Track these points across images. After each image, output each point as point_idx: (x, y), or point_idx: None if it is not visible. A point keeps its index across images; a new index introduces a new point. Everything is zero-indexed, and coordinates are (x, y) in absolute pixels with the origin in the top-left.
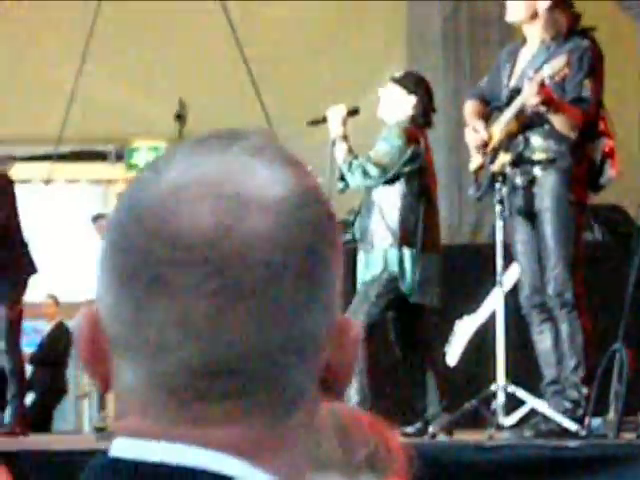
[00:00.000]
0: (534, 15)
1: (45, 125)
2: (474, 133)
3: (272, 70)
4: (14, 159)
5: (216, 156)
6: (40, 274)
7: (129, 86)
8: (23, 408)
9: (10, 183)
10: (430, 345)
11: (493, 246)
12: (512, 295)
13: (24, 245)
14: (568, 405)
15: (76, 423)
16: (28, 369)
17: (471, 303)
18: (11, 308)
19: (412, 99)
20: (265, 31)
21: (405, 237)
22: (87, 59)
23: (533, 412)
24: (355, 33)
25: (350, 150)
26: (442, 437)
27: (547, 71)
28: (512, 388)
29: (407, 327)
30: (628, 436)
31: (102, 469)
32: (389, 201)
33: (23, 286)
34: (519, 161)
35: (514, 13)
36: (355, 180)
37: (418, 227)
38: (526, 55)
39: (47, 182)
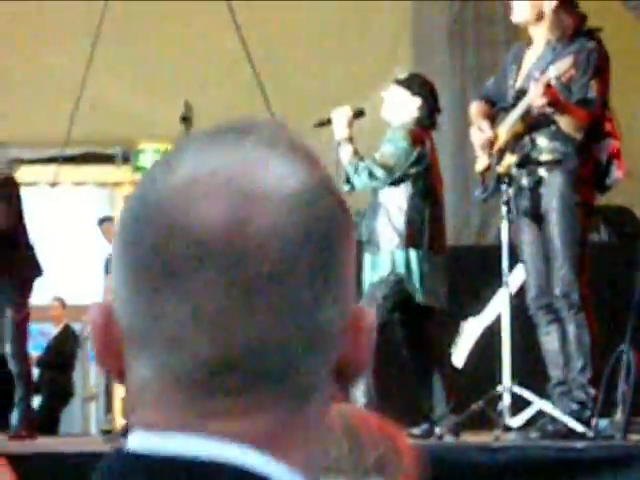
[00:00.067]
0: (540, 16)
1: (51, 128)
2: (479, 132)
3: (278, 72)
4: (20, 162)
5: (229, 150)
6: (46, 277)
7: (135, 88)
8: (30, 411)
9: (16, 186)
10: (437, 346)
11: (499, 247)
12: (518, 296)
13: (30, 248)
14: (575, 406)
15: (83, 425)
16: (35, 372)
17: (477, 304)
18: (18, 311)
19: (417, 100)
20: (271, 32)
21: (411, 238)
22: (93, 62)
23: (540, 413)
24: (361, 34)
25: (356, 152)
26: (449, 438)
27: (553, 72)
28: (518, 389)
29: (414, 328)
30: (635, 437)
31: (118, 463)
32: (395, 203)
33: (29, 289)
34: (525, 162)
35: (520, 14)
36: (361, 182)
37: (424, 228)
38: (532, 56)
39: (53, 185)
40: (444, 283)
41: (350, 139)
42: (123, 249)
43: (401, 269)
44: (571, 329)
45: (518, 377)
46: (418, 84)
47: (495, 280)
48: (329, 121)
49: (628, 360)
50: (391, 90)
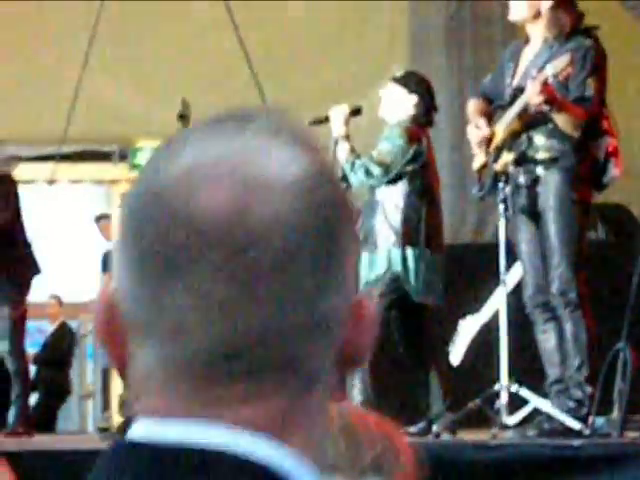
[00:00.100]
0: (537, 14)
1: (49, 125)
2: (476, 130)
3: (275, 70)
4: (17, 159)
5: (230, 138)
6: (43, 274)
7: (132, 86)
8: (27, 408)
9: (14, 183)
10: (433, 345)
11: (496, 245)
12: (515, 294)
13: (28, 245)
14: (572, 404)
15: (80, 423)
16: (32, 369)
17: (474, 302)
18: (15, 308)
19: (413, 98)
20: (269, 32)
21: (408, 236)
22: (90, 59)
23: (537, 411)
24: (358, 33)
25: (352, 150)
26: (446, 436)
27: (550, 70)
28: (516, 387)
29: (410, 327)
30: (632, 435)
31: (123, 451)
32: (392, 201)
33: (27, 286)
34: (522, 160)
35: (517, 12)
36: (358, 180)
37: (421, 226)
38: (529, 54)
39: (50, 182)
40: (441, 281)
41: (347, 137)
42: (126, 239)
43: (398, 267)
44: (568, 327)
45: (515, 375)
46: (414, 82)
47: (492, 278)
48: (326, 119)
49: (625, 358)
50: (388, 88)
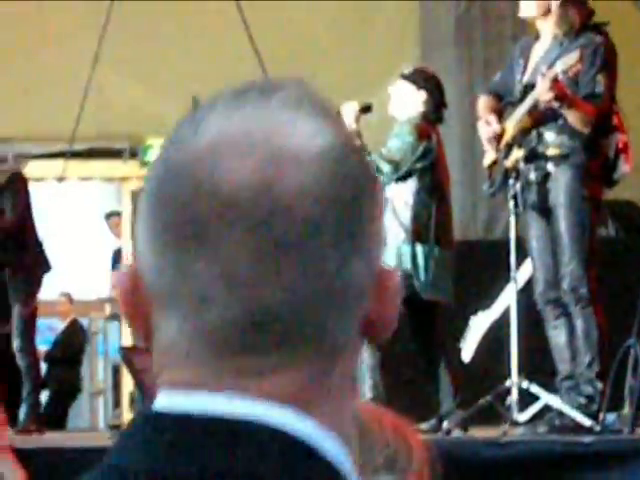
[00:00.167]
0: (547, 10)
1: (59, 123)
2: (487, 126)
3: (285, 69)
4: (28, 157)
5: (255, 110)
6: (54, 272)
7: (143, 84)
8: (38, 406)
9: (24, 181)
10: (444, 341)
11: (507, 242)
12: (526, 291)
13: (38, 243)
14: (582, 400)
15: (91, 421)
16: (43, 367)
17: (485, 299)
18: (26, 306)
19: (422, 95)
20: (278, 30)
21: (418, 233)
22: (100, 57)
23: (547, 408)
24: (368, 31)
25: (363, 147)
26: (456, 433)
27: (560, 66)
28: (526, 384)
29: (421, 323)
30: None
31: (147, 422)
32: (401, 198)
33: (37, 284)
34: (533, 157)
35: (527, 9)
36: None
37: (430, 223)
38: (539, 50)
39: (61, 180)
40: (450, 278)
41: (357, 134)
42: (150, 210)
43: (407, 264)
44: (579, 323)
45: (526, 372)
46: (423, 78)
47: (503, 275)
48: None
49: (635, 354)
50: (397, 85)
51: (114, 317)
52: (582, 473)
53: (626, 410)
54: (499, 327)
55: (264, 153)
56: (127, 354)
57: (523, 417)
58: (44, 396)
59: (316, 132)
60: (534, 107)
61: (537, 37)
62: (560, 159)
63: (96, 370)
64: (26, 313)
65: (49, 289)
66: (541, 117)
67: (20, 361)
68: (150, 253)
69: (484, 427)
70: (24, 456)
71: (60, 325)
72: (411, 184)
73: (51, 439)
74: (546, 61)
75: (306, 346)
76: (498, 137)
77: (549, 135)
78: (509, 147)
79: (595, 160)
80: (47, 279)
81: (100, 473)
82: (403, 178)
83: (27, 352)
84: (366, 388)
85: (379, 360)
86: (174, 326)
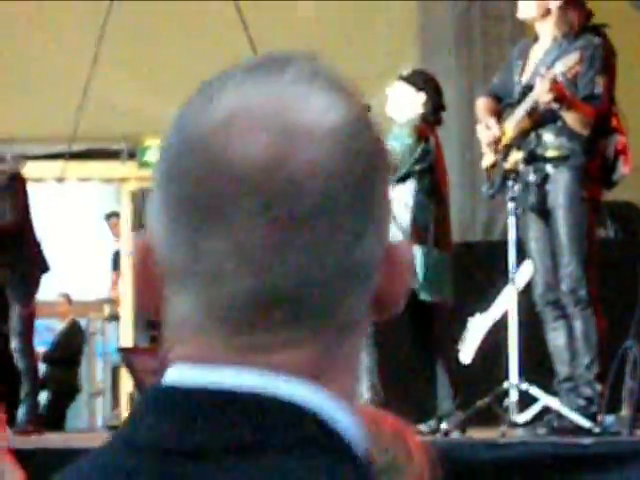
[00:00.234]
0: (546, 12)
1: (57, 124)
2: (486, 130)
3: None
4: (27, 158)
5: (268, 84)
6: (53, 272)
7: (142, 85)
8: (36, 406)
9: (23, 182)
10: (442, 343)
11: (506, 243)
12: (525, 292)
13: (37, 244)
14: (581, 402)
15: (89, 421)
16: (41, 368)
17: (484, 301)
18: (24, 306)
19: (421, 96)
20: (277, 31)
21: (416, 235)
22: (100, 58)
23: (546, 409)
24: (367, 32)
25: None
26: (455, 434)
27: (559, 68)
28: (525, 385)
29: (420, 325)
30: None
31: (158, 395)
32: (400, 199)
33: (36, 284)
34: (532, 158)
35: (526, 10)
36: None
37: (429, 225)
38: (538, 52)
39: (60, 181)
40: (449, 280)
41: None
42: (163, 184)
43: None
44: (578, 325)
45: (525, 373)
46: (422, 80)
47: (502, 276)
48: None
49: (634, 356)
50: (396, 86)
51: (113, 318)
52: (581, 475)
53: (625, 412)
54: (498, 329)
55: (278, 128)
56: (126, 355)
57: (522, 419)
58: (43, 397)
59: (329, 107)
60: (533, 109)
61: (536, 39)
62: (559, 161)
63: (95, 371)
64: (25, 314)
65: (48, 290)
66: (540, 118)
67: (19, 362)
68: (163, 227)
69: (483, 429)
70: (23, 457)
71: (59, 326)
72: (410, 186)
73: (50, 440)
74: (545, 62)
75: (317, 322)
76: (497, 141)
77: (548, 137)
78: (508, 149)
79: (594, 161)
80: (46, 280)
81: (111, 449)
82: (402, 180)
83: (26, 353)
84: (363, 389)
85: (377, 361)
86: (186, 301)
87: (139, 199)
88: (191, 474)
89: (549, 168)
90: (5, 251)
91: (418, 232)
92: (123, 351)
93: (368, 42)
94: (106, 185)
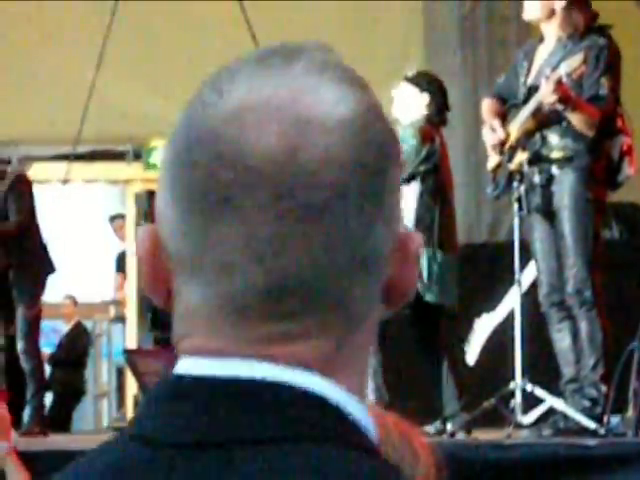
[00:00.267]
0: (551, 13)
1: (63, 125)
2: (491, 132)
3: None
4: (32, 159)
5: (279, 76)
6: (58, 274)
7: (147, 86)
8: (42, 408)
9: (28, 183)
10: (448, 344)
11: (511, 244)
12: (531, 293)
13: (42, 245)
14: (587, 403)
15: (95, 423)
16: (47, 369)
17: (489, 302)
18: (30, 308)
19: (425, 98)
20: (282, 31)
21: (421, 236)
22: (105, 59)
23: (552, 410)
24: (372, 33)
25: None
26: (461, 436)
27: (564, 69)
28: (530, 386)
29: (425, 326)
30: None
31: (170, 388)
32: (405, 200)
33: (42, 286)
34: (537, 159)
35: (531, 11)
36: None
37: (434, 226)
38: (543, 53)
39: (65, 182)
40: (454, 281)
41: None
42: (173, 174)
43: None
44: (583, 326)
45: (530, 374)
46: (426, 81)
47: (507, 277)
48: None
49: (639, 357)
50: (400, 87)
51: (118, 319)
52: (586, 476)
53: (630, 413)
54: (503, 330)
55: (289, 120)
56: (131, 357)
57: (527, 420)
58: (48, 398)
59: (340, 98)
60: (538, 110)
61: (541, 40)
62: (564, 162)
63: (100, 372)
64: (30, 315)
65: (53, 291)
66: (545, 120)
67: (24, 363)
68: (173, 218)
69: (488, 430)
70: (28, 458)
71: (64, 327)
72: (414, 187)
73: (55, 441)
74: (550, 64)
75: (329, 313)
76: (502, 143)
77: (553, 138)
78: (513, 150)
79: (599, 163)
80: (51, 281)
81: (122, 443)
82: (406, 181)
83: (31, 354)
84: (369, 390)
85: (382, 363)
86: (196, 293)
87: (144, 201)
88: (208, 466)
89: (554, 169)
90: (11, 253)
91: (423, 233)
92: (128, 353)
93: (373, 43)
94: (111, 187)
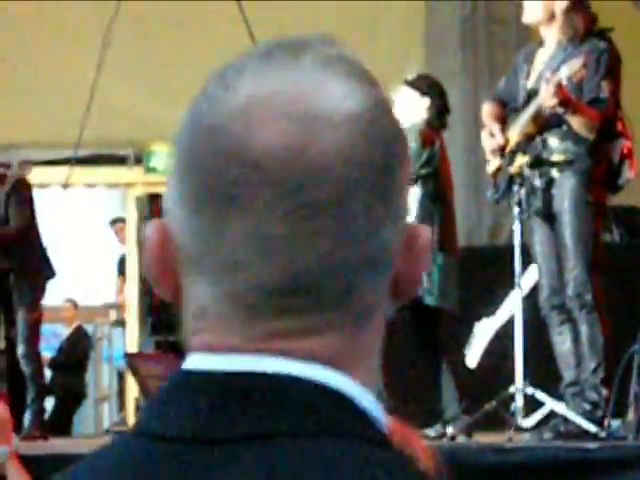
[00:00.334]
0: (551, 16)
1: (63, 129)
2: (490, 138)
3: None
4: (32, 164)
5: (286, 71)
6: (59, 278)
7: (147, 89)
8: (42, 412)
9: (29, 187)
10: (448, 348)
11: (512, 248)
12: (531, 297)
13: (43, 249)
14: (587, 407)
15: (96, 426)
16: (47, 373)
17: (490, 305)
18: (30, 312)
19: (425, 101)
20: (282, 33)
21: None
22: (105, 63)
23: (552, 414)
24: (373, 35)
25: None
26: (461, 439)
27: (564, 72)
28: (531, 390)
29: (425, 329)
30: None
31: (178, 382)
32: None
33: (42, 290)
34: (537, 163)
35: (531, 14)
36: None
37: (434, 230)
38: (543, 56)
39: (65, 186)
40: (455, 285)
41: None
42: (181, 171)
43: None
44: (584, 329)
45: (531, 377)
46: (426, 85)
47: (508, 281)
48: None
49: None
50: (400, 91)
51: (119, 323)
52: (587, 479)
53: (631, 416)
54: (504, 333)
55: (296, 115)
56: (132, 360)
57: (528, 423)
58: (49, 402)
59: (347, 93)
60: (538, 113)
61: (541, 43)
62: (564, 165)
63: (101, 376)
64: (31, 319)
65: (54, 295)
66: (545, 123)
67: (25, 367)
68: (181, 215)
69: (489, 433)
70: (29, 462)
71: (65, 331)
72: (415, 191)
73: (56, 445)
74: (550, 67)
75: (338, 309)
76: (501, 149)
77: (553, 141)
78: (513, 153)
79: (599, 166)
80: (52, 285)
81: (130, 441)
82: None
83: (32, 358)
84: None
85: (381, 366)
86: (205, 290)
87: (145, 204)
88: (219, 461)
89: (554, 172)
90: (11, 257)
91: None
92: (128, 356)
93: (373, 44)
94: (112, 190)
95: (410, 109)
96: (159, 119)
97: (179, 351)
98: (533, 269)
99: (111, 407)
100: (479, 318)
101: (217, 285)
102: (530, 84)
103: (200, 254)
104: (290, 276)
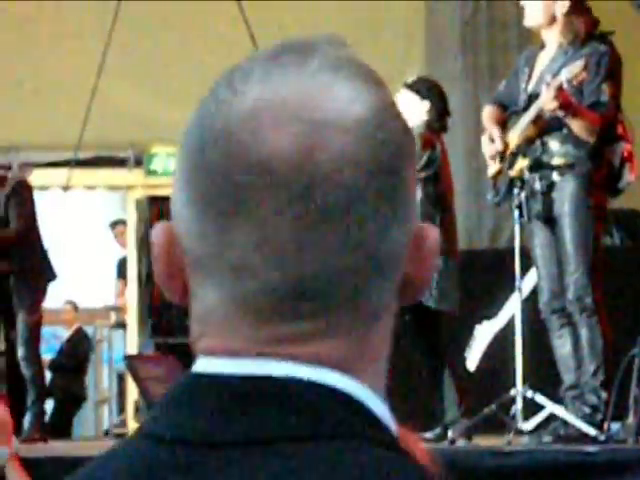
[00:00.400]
0: (552, 19)
1: (63, 131)
2: (489, 143)
3: None
4: (32, 166)
5: (294, 74)
6: (59, 280)
7: (148, 92)
8: (42, 414)
9: (29, 189)
10: (449, 350)
11: (512, 251)
12: (531, 300)
13: (43, 251)
14: (587, 410)
15: (96, 429)
16: (47, 375)
17: (490, 308)
18: (30, 314)
19: (425, 104)
20: (283, 35)
21: None
22: (106, 65)
23: (552, 417)
24: (374, 36)
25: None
26: (461, 442)
27: (565, 75)
28: (531, 393)
29: (426, 332)
30: None
31: (190, 387)
32: None
33: (42, 292)
34: (537, 166)
35: (532, 17)
36: None
37: None
38: (544, 59)
39: (65, 188)
40: (455, 287)
41: None
42: (188, 174)
43: None
44: (584, 333)
45: (530, 381)
46: (427, 88)
47: (508, 284)
48: None
49: None
50: (400, 94)
51: (119, 325)
52: None
53: (630, 420)
54: (504, 336)
55: (304, 120)
56: (132, 363)
57: (528, 426)
58: (49, 405)
59: (355, 97)
60: (539, 116)
61: (542, 46)
62: (565, 168)
63: (101, 378)
64: (31, 321)
65: (54, 297)
66: (546, 126)
67: (25, 370)
68: (188, 218)
69: (489, 436)
70: (29, 465)
71: (65, 333)
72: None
73: (56, 448)
74: (551, 70)
75: (345, 314)
76: (501, 154)
77: (554, 144)
78: (514, 156)
79: (600, 169)
80: (52, 287)
81: (136, 444)
82: None
83: (32, 361)
84: None
85: None
86: (212, 294)
87: (145, 207)
88: (227, 465)
89: (555, 176)
90: (11, 259)
91: None
92: (128, 359)
93: (374, 45)
94: (112, 193)
95: (410, 112)
96: (160, 121)
97: (179, 353)
98: (533, 272)
99: (111, 409)
100: (479, 321)
101: (223, 288)
102: (531, 87)
103: (207, 257)
104: (297, 280)
